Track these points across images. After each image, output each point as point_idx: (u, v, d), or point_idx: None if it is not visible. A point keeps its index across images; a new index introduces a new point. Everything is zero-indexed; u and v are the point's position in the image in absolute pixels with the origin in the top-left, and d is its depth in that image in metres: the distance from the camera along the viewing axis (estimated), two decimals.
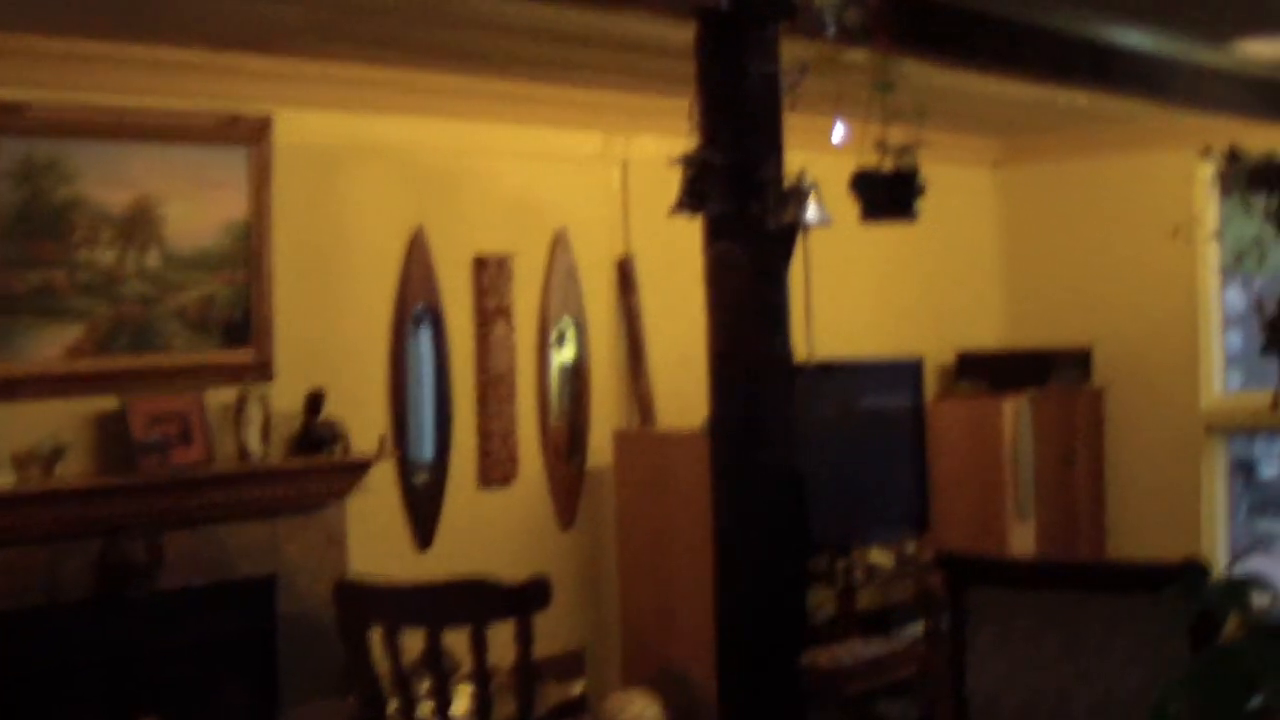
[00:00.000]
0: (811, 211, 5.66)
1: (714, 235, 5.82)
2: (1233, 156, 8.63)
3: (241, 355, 7.43)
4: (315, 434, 7.55)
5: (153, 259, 7.13)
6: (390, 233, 8.07)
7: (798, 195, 5.67)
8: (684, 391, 9.06)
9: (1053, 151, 11.21)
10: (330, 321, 7.81)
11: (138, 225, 7.07)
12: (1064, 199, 11.23)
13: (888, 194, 5.73)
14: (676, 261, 9.05)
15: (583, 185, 8.93)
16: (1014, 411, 10.13)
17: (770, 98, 5.80)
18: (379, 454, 7.72)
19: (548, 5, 6.31)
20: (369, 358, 7.96)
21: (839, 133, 5.82)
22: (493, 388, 8.42)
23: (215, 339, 7.34)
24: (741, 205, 5.72)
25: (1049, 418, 10.52)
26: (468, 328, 8.37)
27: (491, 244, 8.45)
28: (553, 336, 8.77)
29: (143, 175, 7.09)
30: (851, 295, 10.32)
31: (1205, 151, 8.64)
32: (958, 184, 11.22)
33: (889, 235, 10.61)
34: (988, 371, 10.71)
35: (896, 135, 5.90)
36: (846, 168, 9.44)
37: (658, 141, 8.99)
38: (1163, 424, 10.88)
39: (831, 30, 5.72)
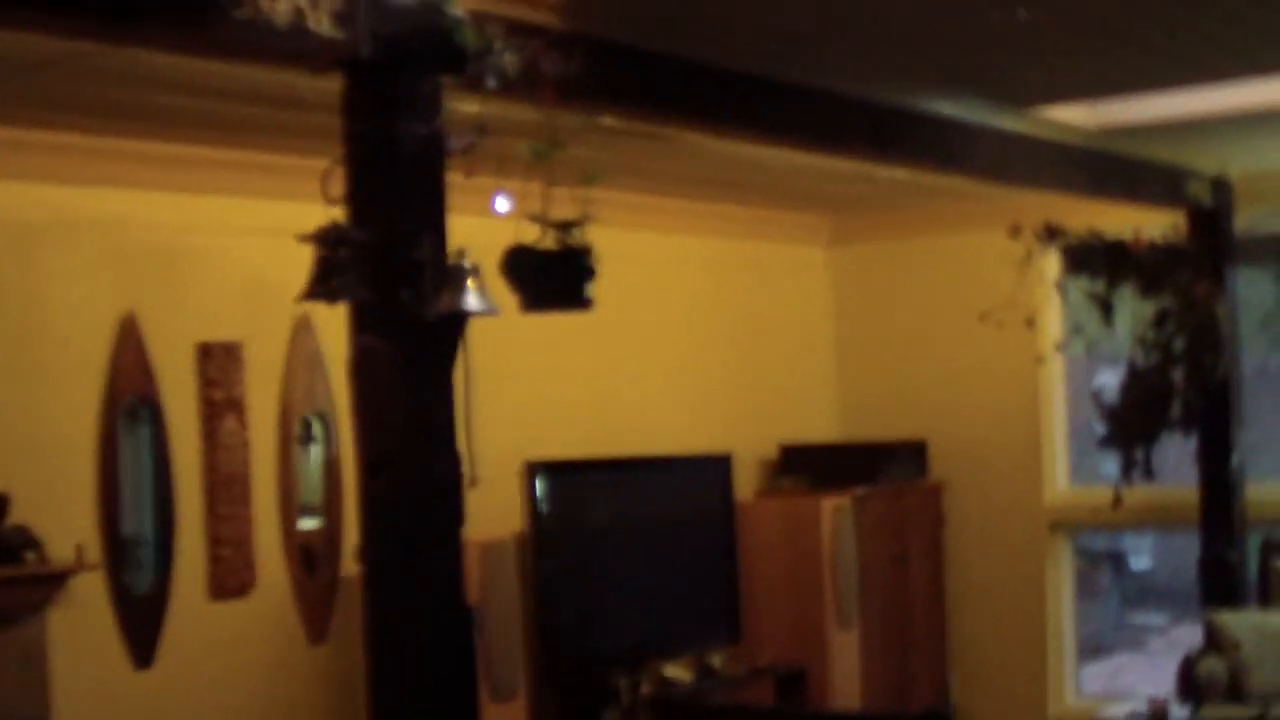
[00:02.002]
0: (471, 298, 4.81)
1: (359, 328, 4.97)
2: (1049, 234, 7.85)
3: None
4: (1, 541, 6.69)
5: None
6: (96, 317, 7.22)
7: (453, 278, 4.82)
8: (470, 493, 8.25)
9: (886, 230, 10.48)
10: (22, 416, 6.94)
11: None
12: (898, 281, 10.49)
13: (550, 278, 4.90)
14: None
15: None
16: (834, 510, 9.32)
17: (429, 163, 4.97)
18: (77, 563, 6.84)
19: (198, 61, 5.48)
20: (72, 456, 7.08)
21: (502, 204, 4.99)
22: (224, 489, 7.55)
23: None
24: (389, 292, 4.88)
25: (879, 516, 9.72)
26: (192, 422, 7.51)
27: (219, 330, 7.60)
28: (296, 432, 7.90)
29: None
30: (659, 383, 9.53)
31: (1014, 231, 7.85)
32: (788, 264, 10.48)
33: (705, 317, 9.90)
34: (813, 466, 9.90)
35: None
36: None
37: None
38: (1004, 521, 10.10)
39: (492, 83, 4.92)
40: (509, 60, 4.98)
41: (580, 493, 8.54)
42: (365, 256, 4.92)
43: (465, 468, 5.04)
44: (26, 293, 7.03)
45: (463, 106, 5.60)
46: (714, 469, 9.18)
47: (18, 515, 6.74)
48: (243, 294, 7.72)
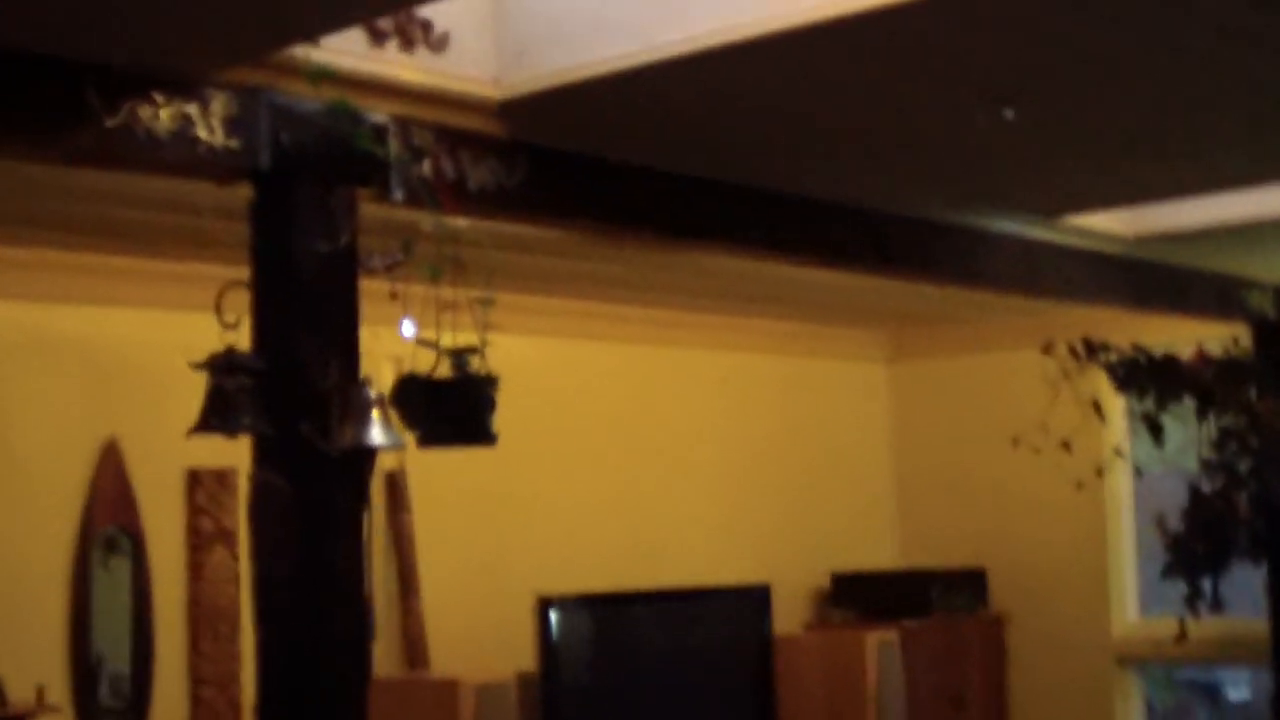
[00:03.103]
0: (376, 431, 4.41)
1: (258, 462, 4.58)
2: (1089, 349, 7.31)
3: None
4: None
5: None
6: (74, 442, 6.91)
7: (357, 409, 4.43)
8: (468, 631, 7.84)
9: (950, 345, 9.97)
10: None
11: None
12: (961, 398, 9.94)
13: (445, 410, 4.49)
14: (461, 474, 7.90)
15: None
16: (880, 644, 8.76)
17: (338, 282, 4.60)
18: (38, 705, 6.48)
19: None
20: (39, 590, 6.75)
21: (408, 329, 4.60)
22: (209, 624, 7.18)
23: None
24: (288, 424, 4.49)
25: (933, 651, 9.14)
26: (177, 554, 7.16)
27: (210, 455, 7.22)
28: None
29: None
30: (695, 509, 9.06)
31: (1048, 348, 7.32)
32: (844, 381, 9.99)
33: (749, 438, 9.42)
34: (866, 596, 9.35)
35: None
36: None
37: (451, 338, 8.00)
38: (1069, 655, 9.45)
39: (399, 194, 4.55)
40: (425, 168, 4.59)
41: (600, 629, 8.07)
42: (266, 385, 4.55)
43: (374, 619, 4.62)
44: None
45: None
46: (750, 601, 8.68)
47: None
48: None
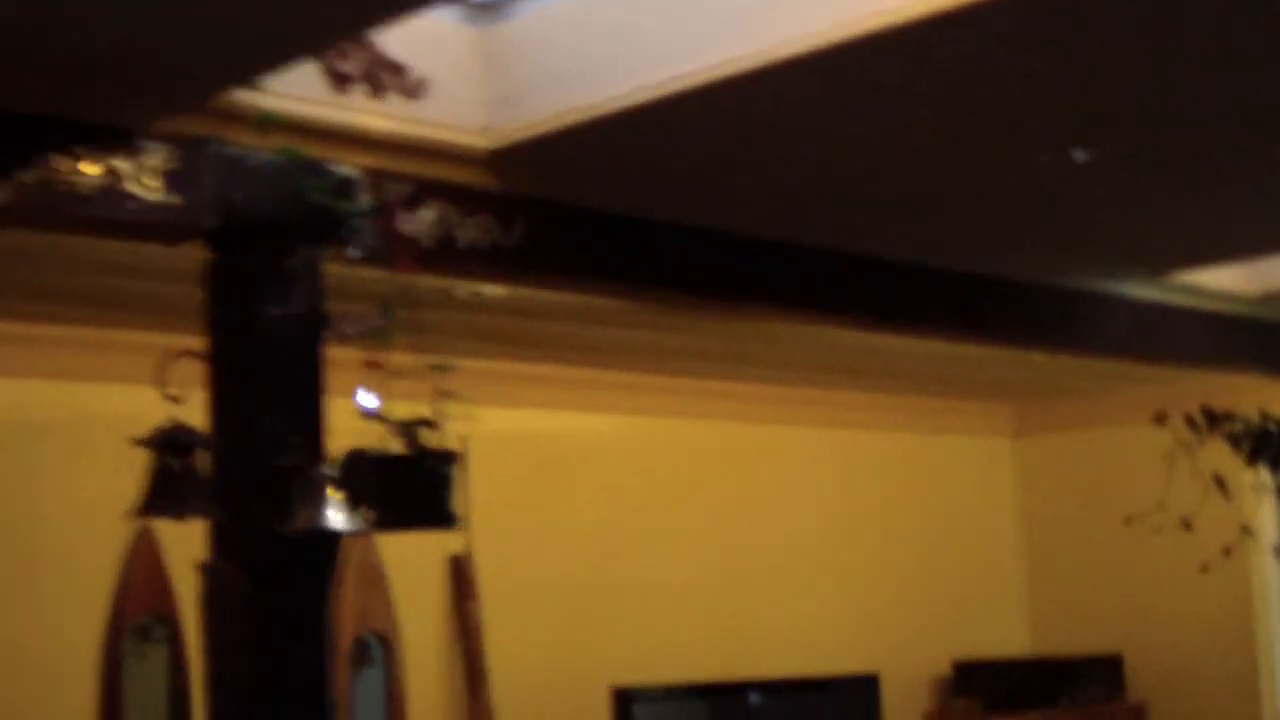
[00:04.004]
0: (334, 514, 3.91)
1: (214, 550, 4.12)
2: (1209, 419, 6.59)
3: None
4: None
5: None
6: (106, 526, 6.47)
7: (313, 489, 3.94)
8: None
9: (1081, 418, 9.26)
10: (13, 633, 6.27)
11: None
12: (1089, 474, 9.21)
13: (397, 490, 3.97)
14: (535, 557, 7.43)
15: None
16: None
17: (300, 349, 4.12)
18: None
19: None
20: (66, 683, 6.34)
21: (366, 400, 4.10)
22: None
23: None
24: (242, 506, 4.02)
25: None
26: None
27: None
28: (349, 654, 7.05)
29: None
30: (805, 592, 8.44)
31: (1160, 417, 6.61)
32: (967, 457, 9.33)
33: (863, 517, 8.79)
34: (992, 686, 8.65)
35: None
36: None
37: (509, 414, 7.52)
38: None
39: (356, 251, 4.07)
40: (395, 223, 4.11)
41: None
42: (222, 464, 4.09)
43: None
44: (27, 497, 6.40)
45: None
46: (859, 691, 8.02)
47: None
48: None
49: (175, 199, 3.98)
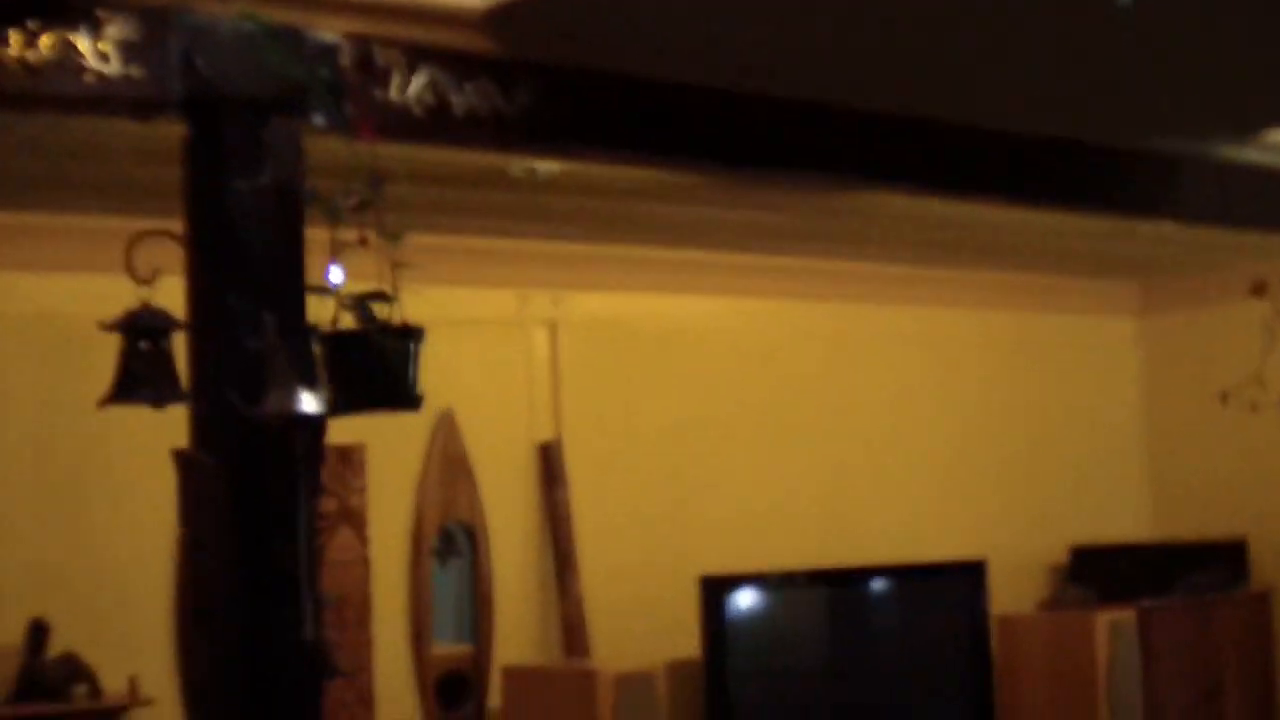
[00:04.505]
0: (306, 397, 3.78)
1: (192, 438, 4.02)
2: None
3: None
4: (40, 675, 6.02)
5: None
6: (175, 421, 6.47)
7: (283, 372, 3.81)
8: (631, 613, 7.19)
9: (1210, 294, 8.83)
10: (80, 537, 6.28)
11: None
12: (1216, 353, 8.78)
13: (353, 370, 3.82)
14: (623, 444, 7.30)
15: (483, 354, 7.19)
16: (1111, 628, 7.77)
17: (275, 226, 3.99)
18: (131, 697, 6.11)
19: None
20: (141, 581, 6.36)
21: (336, 275, 3.95)
22: (334, 612, 6.67)
23: None
24: (216, 391, 3.91)
25: (1182, 635, 8.07)
26: None
27: (333, 430, 6.74)
28: (433, 546, 7.01)
29: None
30: (910, 479, 8.21)
31: (1258, 288, 6.23)
32: (1087, 337, 8.98)
33: (977, 401, 8.51)
34: (1108, 572, 8.35)
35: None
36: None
37: (598, 298, 7.37)
38: None
39: (320, 120, 3.92)
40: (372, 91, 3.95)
41: (780, 611, 7.32)
42: (196, 347, 3.98)
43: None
44: (90, 396, 6.36)
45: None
46: (964, 579, 7.78)
47: (69, 642, 6.06)
48: None
49: (138, 72, 3.84)
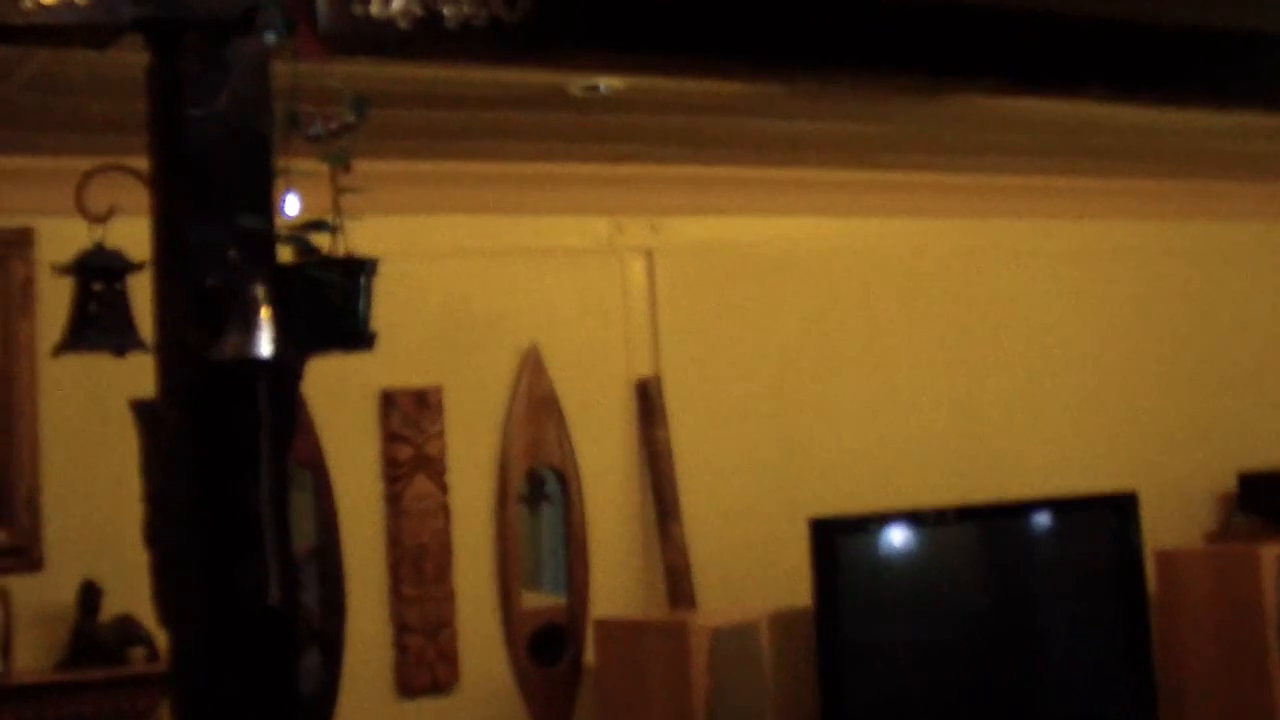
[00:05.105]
0: (261, 339, 3.33)
1: (158, 386, 3.60)
2: None
3: None
4: (94, 638, 5.72)
5: None
6: None
7: (243, 311, 3.36)
8: (740, 560, 6.71)
9: None
10: (133, 496, 5.91)
11: None
12: None
13: (293, 308, 3.34)
14: (727, 378, 6.79)
15: (573, 285, 6.70)
16: (1277, 561, 7.10)
17: (238, 155, 3.53)
18: None
19: None
20: None
21: (291, 204, 3.48)
22: (412, 564, 6.30)
23: None
24: (172, 335, 3.49)
25: None
26: (372, 485, 6.30)
27: (407, 374, 6.35)
28: (520, 491, 6.56)
29: None
30: (1050, 407, 7.58)
31: None
32: (1252, 247, 8.23)
33: (1129, 317, 7.84)
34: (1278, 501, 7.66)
35: None
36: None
37: (693, 222, 6.86)
38: None
39: (271, 37, 3.44)
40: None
41: (903, 553, 6.76)
42: (157, 289, 3.55)
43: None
44: None
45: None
46: (1113, 513, 7.15)
47: (124, 604, 5.72)
48: (441, 328, 6.45)
49: None
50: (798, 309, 7.02)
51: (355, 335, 3.32)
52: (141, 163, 4.03)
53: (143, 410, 3.56)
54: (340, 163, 3.27)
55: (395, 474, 6.30)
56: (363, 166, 5.97)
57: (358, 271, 3.28)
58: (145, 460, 3.59)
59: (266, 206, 3.53)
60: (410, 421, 6.31)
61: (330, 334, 3.31)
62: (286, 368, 3.51)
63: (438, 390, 6.36)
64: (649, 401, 6.74)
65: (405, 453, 6.29)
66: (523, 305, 6.58)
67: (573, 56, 4.12)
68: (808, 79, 4.77)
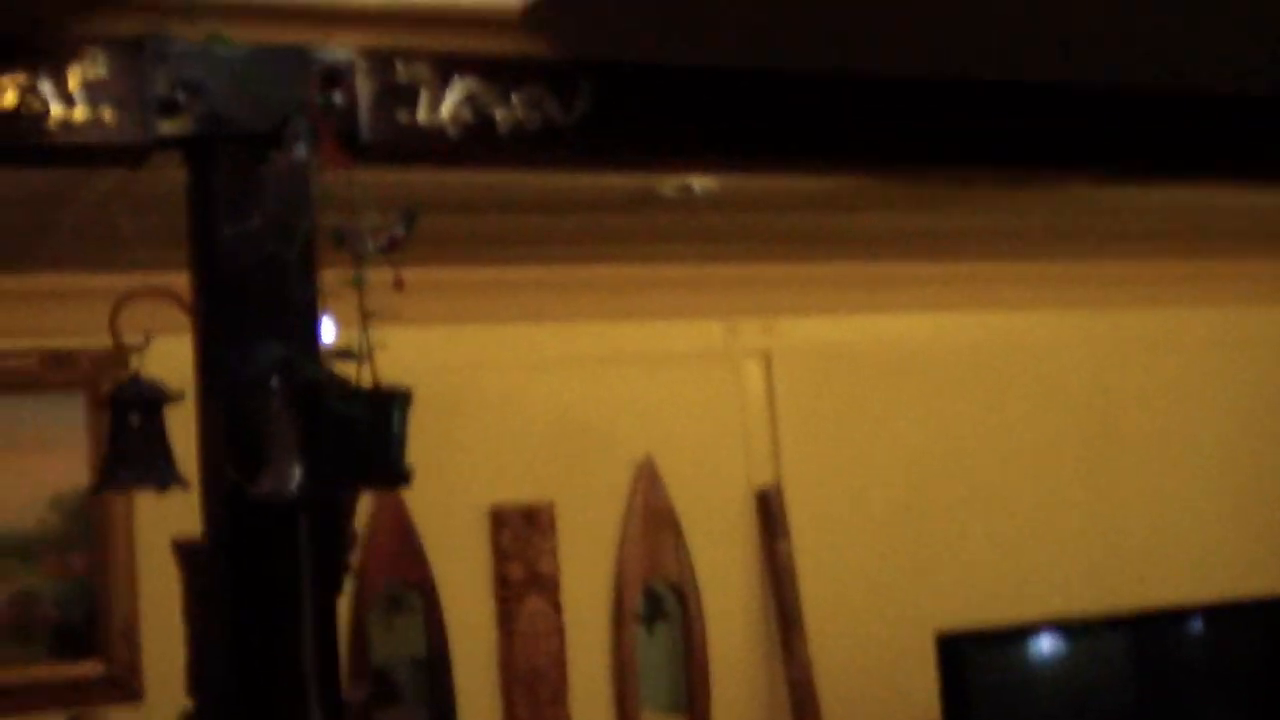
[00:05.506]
0: (297, 475, 3.17)
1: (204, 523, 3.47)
2: None
3: (84, 668, 5.60)
4: None
5: None
6: None
7: (276, 445, 3.21)
8: (868, 677, 6.44)
9: None
10: None
11: None
12: None
13: (318, 441, 3.16)
14: (852, 487, 6.55)
15: (687, 393, 6.51)
16: None
17: (277, 273, 3.40)
18: None
19: None
20: None
21: (327, 329, 3.32)
22: (526, 687, 6.11)
23: (40, 648, 5.56)
24: (213, 469, 3.36)
25: None
26: (482, 607, 6.14)
27: (517, 489, 6.19)
28: (637, 610, 6.35)
29: None
30: (1208, 506, 7.22)
31: None
32: None
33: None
34: None
35: None
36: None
37: (820, 324, 6.65)
38: None
39: (302, 150, 3.31)
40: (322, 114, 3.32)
41: (1033, 671, 6.43)
42: (199, 419, 3.43)
43: None
44: None
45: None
46: (1268, 618, 6.77)
47: None
48: (551, 440, 6.28)
49: (110, 115, 3.30)
50: (922, 410, 6.76)
51: (385, 473, 3.12)
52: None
53: (184, 550, 3.44)
54: (361, 283, 3.09)
55: (507, 593, 6.13)
56: (458, 274, 5.93)
57: (386, 405, 3.09)
58: (186, 602, 3.46)
59: (305, 331, 3.39)
60: (521, 539, 6.14)
61: (360, 470, 3.11)
62: (331, 504, 3.36)
63: (549, 506, 6.18)
64: (770, 512, 6.51)
65: (517, 571, 6.12)
66: (635, 414, 6.40)
67: (632, 160, 3.95)
68: (886, 175, 4.55)
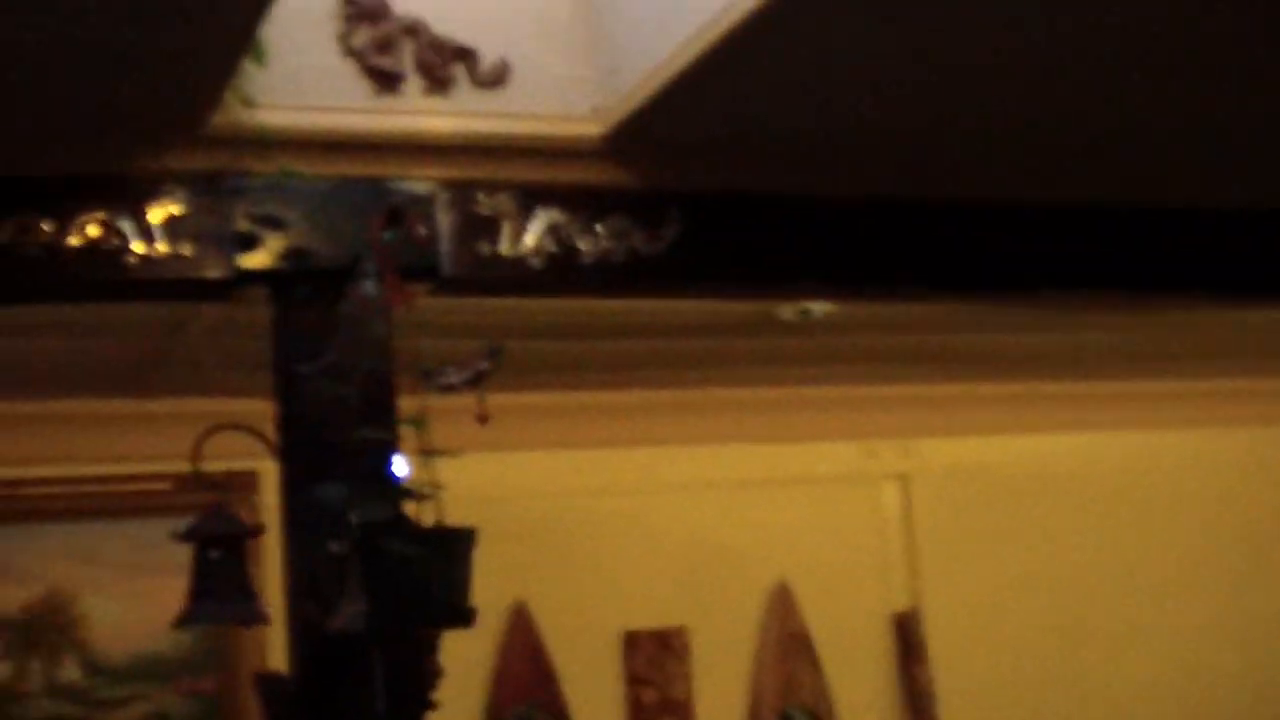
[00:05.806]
0: (353, 612, 3.15)
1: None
2: None
3: None
4: None
5: (70, 670, 5.63)
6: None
7: (351, 580, 3.20)
8: None
9: None
10: None
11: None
12: None
13: (376, 581, 3.12)
14: (993, 610, 6.41)
15: (823, 516, 6.42)
16: None
17: (354, 408, 3.42)
18: None
19: None
20: None
21: (400, 467, 3.31)
22: None
23: None
24: (295, 604, 3.38)
25: None
26: None
27: (649, 614, 6.14)
28: None
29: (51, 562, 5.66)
30: None
31: None
32: None
33: None
34: None
35: None
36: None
37: (958, 445, 6.54)
38: None
39: (370, 287, 3.32)
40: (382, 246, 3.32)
41: None
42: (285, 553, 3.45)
43: None
44: None
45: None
46: None
47: None
48: (684, 565, 6.24)
49: (189, 249, 3.36)
50: (1065, 530, 6.60)
51: (446, 612, 3.08)
52: None
53: (264, 683, 3.43)
54: (419, 425, 3.07)
55: (640, 718, 6.05)
56: (586, 399, 5.92)
57: (447, 545, 3.05)
58: None
59: (376, 468, 3.38)
60: (654, 663, 6.09)
61: (421, 609, 3.07)
62: (408, 640, 3.33)
63: (682, 630, 6.12)
64: (908, 637, 6.38)
65: (650, 696, 6.06)
66: (769, 538, 6.33)
67: (719, 288, 3.91)
68: (1009, 299, 4.46)
